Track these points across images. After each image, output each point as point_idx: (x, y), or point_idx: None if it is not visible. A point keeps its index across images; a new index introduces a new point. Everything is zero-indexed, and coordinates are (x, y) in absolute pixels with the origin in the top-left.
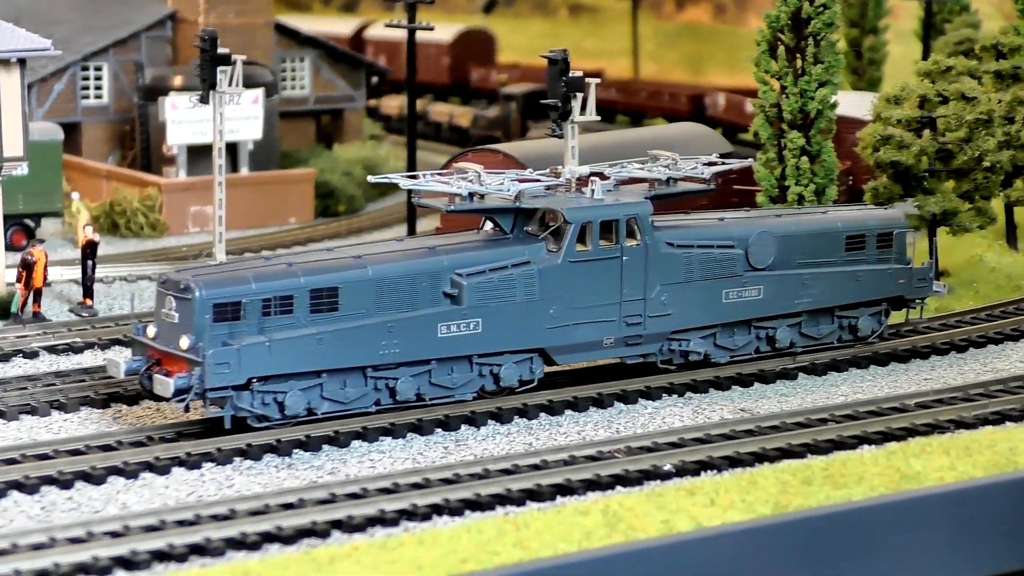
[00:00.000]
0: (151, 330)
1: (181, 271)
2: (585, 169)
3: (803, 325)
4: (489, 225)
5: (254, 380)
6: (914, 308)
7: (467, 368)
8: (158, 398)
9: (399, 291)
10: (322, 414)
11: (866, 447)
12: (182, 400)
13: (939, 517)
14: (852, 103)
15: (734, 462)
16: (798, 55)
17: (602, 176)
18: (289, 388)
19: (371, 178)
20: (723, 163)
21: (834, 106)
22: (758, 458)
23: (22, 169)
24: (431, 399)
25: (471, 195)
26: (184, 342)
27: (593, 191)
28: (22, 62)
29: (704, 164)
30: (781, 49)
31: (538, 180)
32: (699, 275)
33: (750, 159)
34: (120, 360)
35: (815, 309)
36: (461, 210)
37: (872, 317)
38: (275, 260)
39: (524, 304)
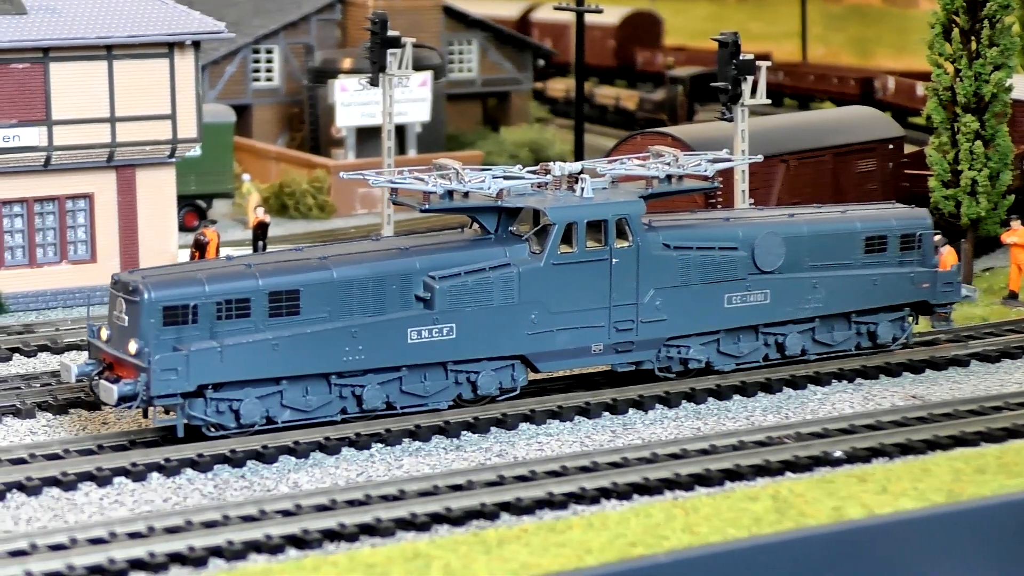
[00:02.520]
0: (104, 333)
1: (134, 271)
2: (577, 166)
3: (816, 331)
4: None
5: (208, 387)
6: (944, 314)
7: (441, 375)
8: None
9: (366, 294)
10: (282, 423)
11: None
12: (129, 407)
13: None
14: None
15: (906, 449)
16: (973, 38)
17: (594, 173)
18: (245, 396)
19: (342, 174)
20: (728, 160)
21: (1009, 89)
22: (930, 445)
23: (195, 150)
24: (402, 407)
25: (449, 193)
26: (132, 346)
27: (582, 189)
28: (196, 45)
29: (708, 161)
30: (956, 32)
31: (523, 177)
32: (698, 278)
33: (759, 155)
34: (72, 364)
35: (829, 315)
36: (437, 209)
37: (893, 323)
38: (236, 260)
39: (502, 308)
